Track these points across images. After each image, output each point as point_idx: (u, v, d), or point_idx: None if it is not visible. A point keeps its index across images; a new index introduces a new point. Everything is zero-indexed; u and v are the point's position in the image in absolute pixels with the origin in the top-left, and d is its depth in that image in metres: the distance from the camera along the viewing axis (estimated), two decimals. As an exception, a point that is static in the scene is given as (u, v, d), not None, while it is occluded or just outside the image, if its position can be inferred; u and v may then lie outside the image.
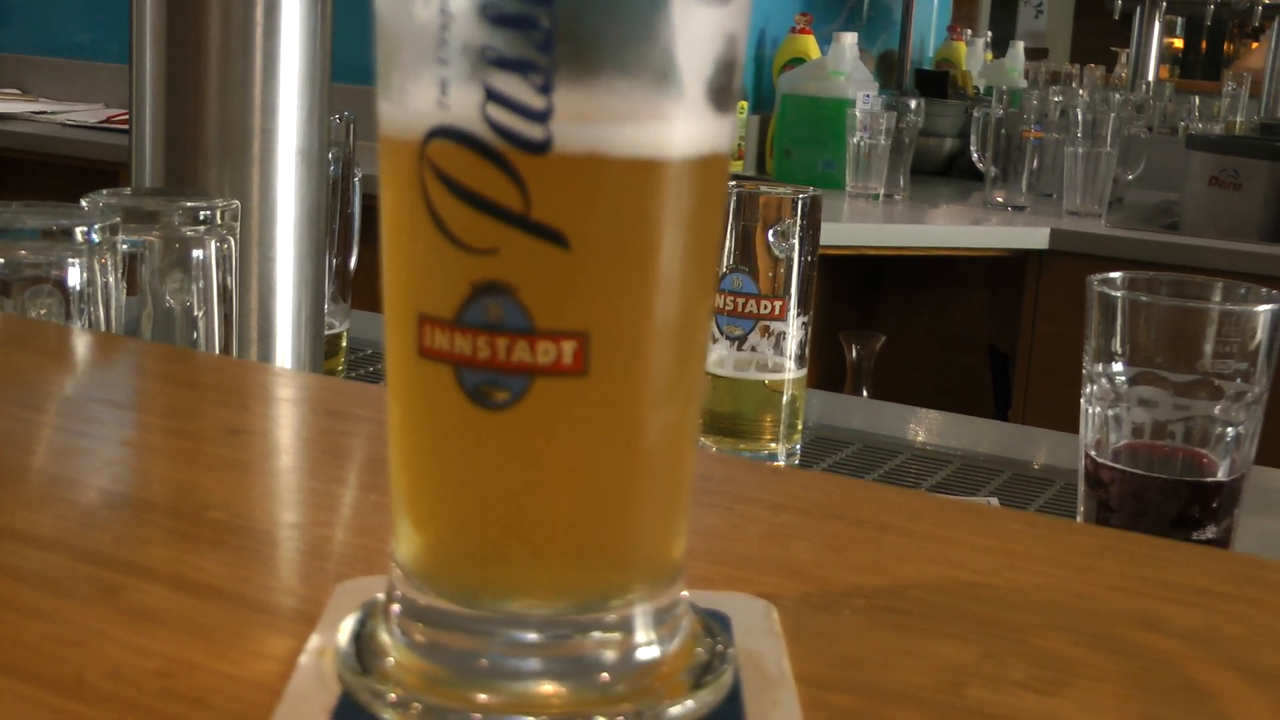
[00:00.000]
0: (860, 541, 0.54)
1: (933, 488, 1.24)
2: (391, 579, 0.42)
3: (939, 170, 3.84)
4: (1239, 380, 0.92)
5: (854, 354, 3.01)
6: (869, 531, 0.55)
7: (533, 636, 0.39)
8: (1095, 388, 0.95)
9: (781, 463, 1.26)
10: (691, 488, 0.42)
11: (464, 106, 0.35)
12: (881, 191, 3.35)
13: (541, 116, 0.35)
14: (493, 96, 0.35)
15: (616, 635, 0.40)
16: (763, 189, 1.23)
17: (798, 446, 1.28)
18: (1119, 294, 0.93)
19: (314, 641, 0.43)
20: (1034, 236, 3.07)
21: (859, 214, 3.20)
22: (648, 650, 0.40)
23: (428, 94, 0.36)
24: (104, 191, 0.96)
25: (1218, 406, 0.92)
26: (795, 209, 1.23)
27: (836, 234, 3.06)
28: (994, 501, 1.20)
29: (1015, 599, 0.49)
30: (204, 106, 1.05)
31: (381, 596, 0.43)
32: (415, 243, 0.37)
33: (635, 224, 0.37)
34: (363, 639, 0.42)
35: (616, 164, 0.36)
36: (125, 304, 0.94)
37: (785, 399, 1.26)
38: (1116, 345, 0.93)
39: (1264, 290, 0.93)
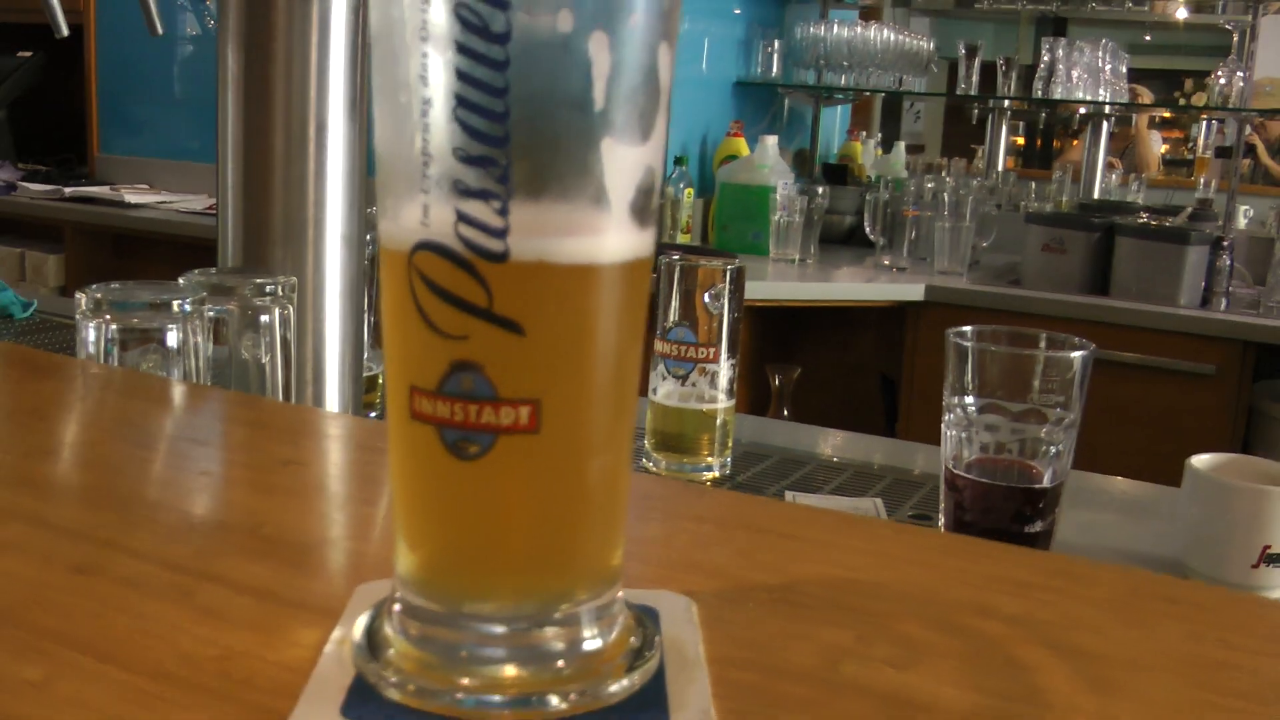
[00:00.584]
0: (765, 547, 0.53)
1: (832, 490, 1.23)
2: (394, 584, 0.41)
3: (841, 240, 3.84)
4: (1059, 409, 0.91)
5: (777, 382, 3.00)
6: (773, 539, 0.54)
7: (500, 630, 0.38)
8: (952, 415, 0.94)
9: (715, 473, 1.25)
10: (627, 509, 0.41)
11: (441, 226, 0.34)
12: (797, 257, 3.34)
13: (500, 233, 0.34)
14: (462, 218, 0.34)
15: (567, 629, 0.39)
16: (700, 261, 1.22)
17: (729, 460, 1.27)
18: (969, 344, 0.92)
19: (337, 633, 0.42)
20: (912, 291, 3.07)
21: (780, 274, 3.20)
22: (592, 641, 0.39)
23: (413, 215, 0.35)
24: (196, 271, 0.95)
25: (1044, 429, 0.92)
26: (725, 276, 1.22)
27: (763, 290, 3.06)
28: (879, 501, 1.18)
29: (882, 591, 0.48)
30: (271, 202, 1.04)
31: (388, 597, 0.42)
32: (406, 330, 0.36)
33: (577, 315, 0.36)
34: (372, 632, 0.41)
35: (561, 269, 0.35)
36: (213, 355, 0.93)
37: (718, 423, 1.25)
38: (968, 383, 0.93)
39: (1077, 339, 0.92)
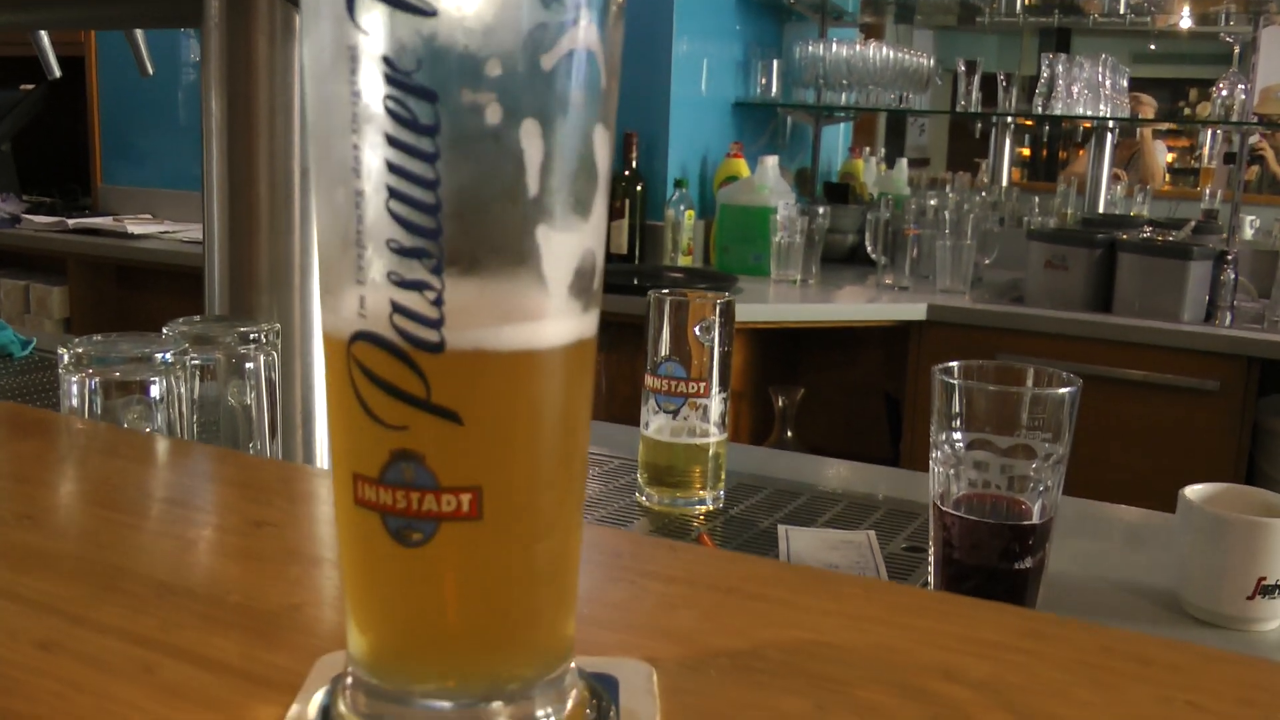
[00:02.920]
0: (732, 609, 0.52)
1: (826, 522, 1.22)
2: (347, 660, 0.41)
3: (843, 259, 3.83)
4: (1046, 445, 0.91)
5: (780, 403, 2.99)
6: (740, 599, 0.53)
7: (448, 707, 0.38)
8: (939, 453, 0.93)
9: (709, 506, 1.25)
10: (576, 586, 0.41)
11: (377, 316, 0.34)
12: (799, 277, 3.34)
13: (435, 324, 0.34)
14: (398, 309, 0.34)
15: (517, 707, 0.39)
16: (693, 298, 1.22)
17: (722, 493, 1.27)
18: (956, 381, 0.92)
19: (294, 710, 0.42)
20: (914, 310, 3.07)
21: (781, 296, 3.19)
22: (544, 718, 0.39)
23: (351, 305, 0.35)
24: (180, 319, 0.95)
25: (1032, 465, 0.91)
26: (715, 310, 1.22)
27: (764, 312, 3.05)
28: (872, 534, 1.18)
29: (846, 656, 0.48)
30: (256, 248, 1.04)
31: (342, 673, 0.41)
32: (347, 419, 0.36)
33: (516, 402, 0.36)
34: (327, 709, 0.41)
35: (498, 357, 0.35)
36: (201, 400, 0.93)
37: (710, 456, 1.24)
38: (955, 420, 0.92)
39: (1064, 374, 0.92)
